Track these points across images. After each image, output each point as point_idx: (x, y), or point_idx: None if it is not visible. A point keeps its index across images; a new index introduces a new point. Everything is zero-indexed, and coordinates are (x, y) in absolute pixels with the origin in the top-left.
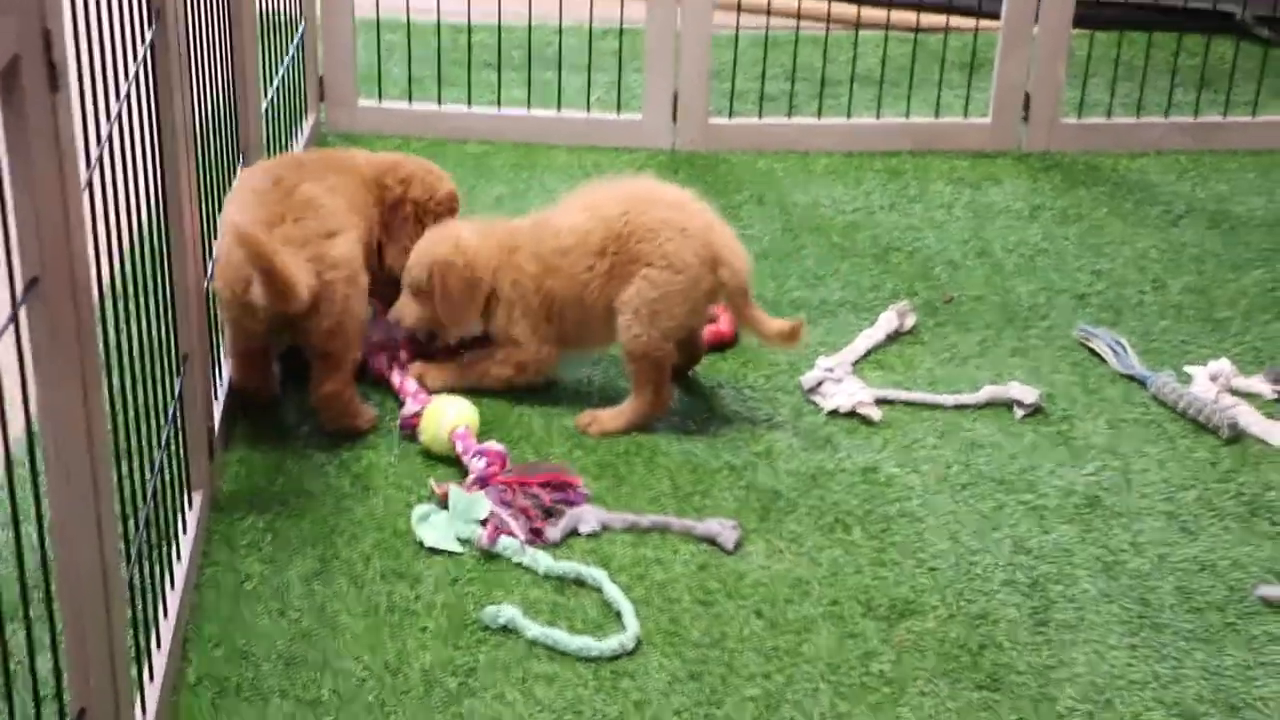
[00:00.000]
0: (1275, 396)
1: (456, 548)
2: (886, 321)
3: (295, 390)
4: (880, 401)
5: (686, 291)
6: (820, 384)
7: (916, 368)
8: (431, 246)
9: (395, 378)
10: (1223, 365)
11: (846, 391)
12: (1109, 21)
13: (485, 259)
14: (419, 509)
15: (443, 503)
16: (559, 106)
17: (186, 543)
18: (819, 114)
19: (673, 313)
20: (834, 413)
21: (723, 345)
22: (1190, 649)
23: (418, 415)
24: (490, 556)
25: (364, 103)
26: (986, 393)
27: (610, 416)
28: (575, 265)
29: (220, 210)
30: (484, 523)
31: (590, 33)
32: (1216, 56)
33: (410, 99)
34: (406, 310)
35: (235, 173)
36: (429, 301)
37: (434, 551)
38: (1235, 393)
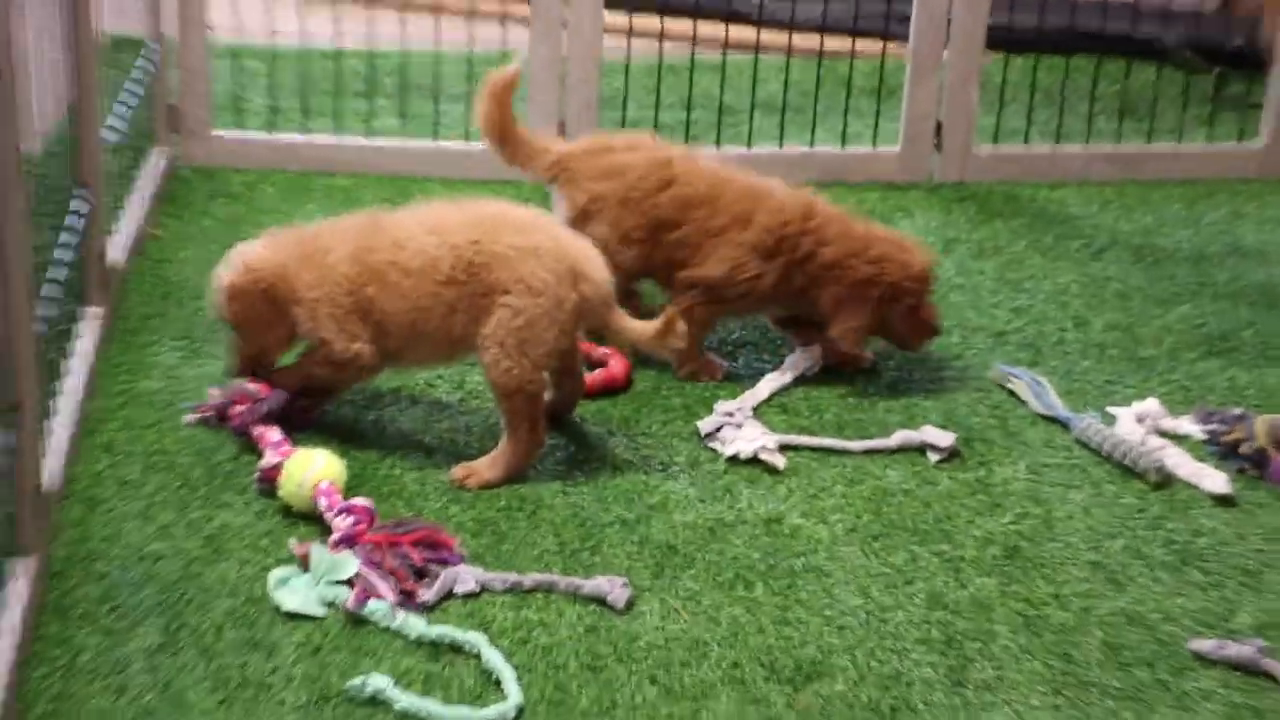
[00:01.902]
0: (1205, 438)
1: (319, 612)
2: (793, 364)
3: (139, 443)
4: (784, 447)
5: (551, 313)
6: (719, 429)
7: (824, 411)
8: (219, 274)
9: (255, 429)
10: (1149, 406)
11: (747, 437)
12: (1024, 44)
13: (275, 268)
14: (277, 572)
15: (304, 564)
16: (435, 136)
17: (11, 615)
18: (718, 143)
19: (542, 338)
20: (734, 459)
21: (614, 390)
22: (1117, 708)
23: (277, 468)
24: (357, 621)
25: (220, 133)
26: (899, 437)
27: (487, 465)
28: (417, 289)
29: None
30: (350, 584)
31: (470, 58)
32: (1140, 82)
33: (273, 129)
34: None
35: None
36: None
37: (294, 618)
38: (1163, 434)
